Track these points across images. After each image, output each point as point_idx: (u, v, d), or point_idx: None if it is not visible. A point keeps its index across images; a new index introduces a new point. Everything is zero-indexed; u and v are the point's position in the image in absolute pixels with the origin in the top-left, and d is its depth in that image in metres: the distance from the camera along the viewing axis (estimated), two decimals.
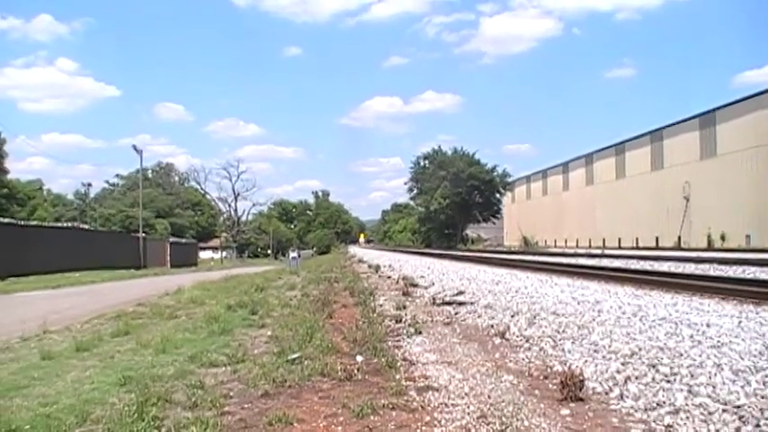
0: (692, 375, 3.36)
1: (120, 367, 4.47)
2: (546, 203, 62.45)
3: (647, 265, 13.17)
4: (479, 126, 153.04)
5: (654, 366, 3.59)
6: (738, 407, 2.87)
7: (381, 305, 8.03)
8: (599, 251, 27.48)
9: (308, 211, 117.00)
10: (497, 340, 5.15)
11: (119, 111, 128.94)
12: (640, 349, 3.98)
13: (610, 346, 4.18)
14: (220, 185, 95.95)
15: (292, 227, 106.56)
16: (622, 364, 3.76)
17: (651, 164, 43.05)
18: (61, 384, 4.03)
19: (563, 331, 4.94)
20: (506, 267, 14.55)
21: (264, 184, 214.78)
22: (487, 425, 2.92)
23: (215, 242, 78.48)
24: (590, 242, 47.01)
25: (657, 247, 35.02)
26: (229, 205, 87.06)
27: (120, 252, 32.57)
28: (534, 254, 25.64)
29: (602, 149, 50.73)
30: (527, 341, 4.91)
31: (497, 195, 61.90)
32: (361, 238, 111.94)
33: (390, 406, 3.25)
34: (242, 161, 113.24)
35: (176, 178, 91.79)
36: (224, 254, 71.79)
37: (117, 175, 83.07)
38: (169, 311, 8.45)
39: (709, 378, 3.27)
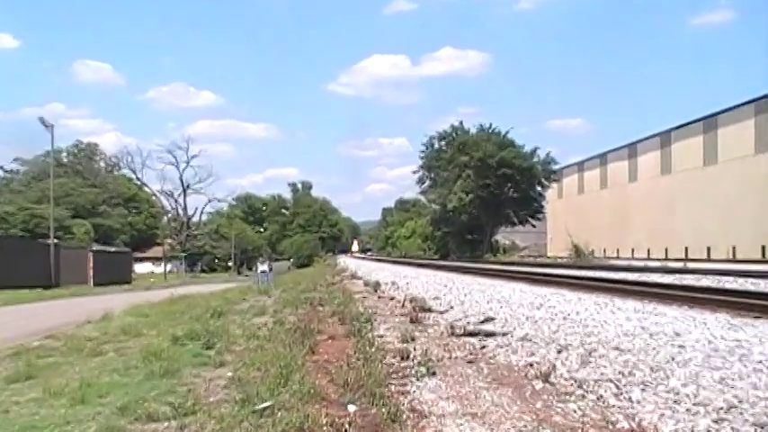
0: None
1: (18, 425, 4.46)
2: (605, 199, 62.58)
3: (749, 284, 13.15)
4: (514, 95, 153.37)
5: (762, 427, 3.59)
6: None
7: (382, 336, 8.07)
8: (679, 264, 27.49)
9: (283, 210, 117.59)
10: (539, 385, 5.15)
11: (18, 69, 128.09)
12: (741, 401, 3.97)
13: (696, 396, 4.18)
14: (163, 174, 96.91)
15: (262, 230, 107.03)
16: (715, 420, 3.75)
17: (755, 144, 42.94)
18: None
19: (629, 373, 4.95)
20: (551, 285, 14.58)
21: (224, 172, 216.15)
22: None
23: (156, 251, 78.78)
24: (666, 252, 47.09)
25: (764, 260, 35.01)
26: (176, 201, 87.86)
27: (21, 265, 32.63)
28: (589, 268, 25.71)
29: (685, 125, 50.74)
30: (580, 386, 4.91)
31: (538, 189, 62.05)
32: (355, 246, 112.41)
33: None
34: (193, 141, 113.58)
35: (102, 164, 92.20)
36: (169, 267, 72.10)
37: (16, 160, 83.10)
38: (91, 346, 8.46)
39: None
